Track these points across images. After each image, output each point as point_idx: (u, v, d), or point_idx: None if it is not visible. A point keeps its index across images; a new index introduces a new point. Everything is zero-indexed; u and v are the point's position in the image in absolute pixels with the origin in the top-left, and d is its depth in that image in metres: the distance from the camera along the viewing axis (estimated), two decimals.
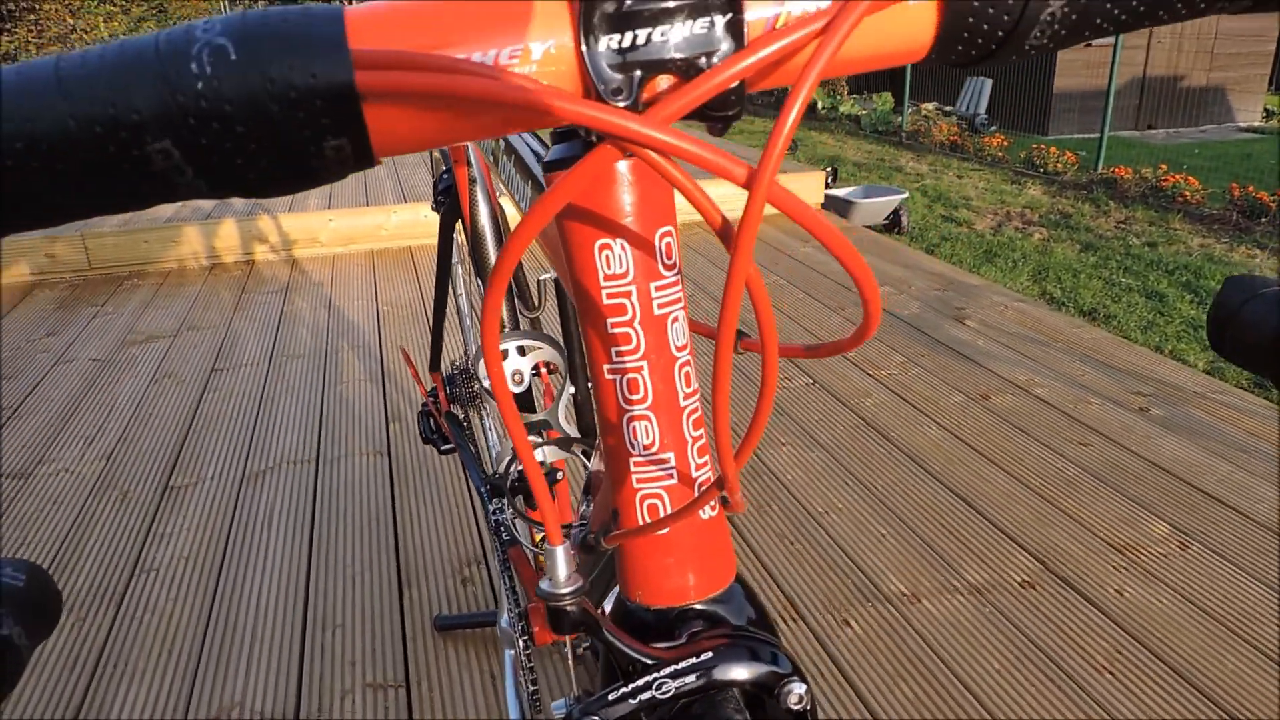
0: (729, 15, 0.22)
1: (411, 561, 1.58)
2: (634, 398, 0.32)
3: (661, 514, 0.33)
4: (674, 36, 0.22)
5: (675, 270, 0.31)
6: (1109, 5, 0.23)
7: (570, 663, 0.58)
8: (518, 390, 0.83)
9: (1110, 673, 1.28)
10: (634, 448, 0.32)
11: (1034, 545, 1.58)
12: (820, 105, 11.58)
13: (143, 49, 0.20)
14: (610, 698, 0.32)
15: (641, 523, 0.33)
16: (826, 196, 4.42)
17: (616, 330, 0.31)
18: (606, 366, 0.32)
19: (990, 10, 0.23)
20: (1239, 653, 1.31)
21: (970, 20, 0.23)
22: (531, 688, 0.86)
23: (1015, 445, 1.93)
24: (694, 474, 0.33)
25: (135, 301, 3.07)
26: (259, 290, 3.14)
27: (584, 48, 0.22)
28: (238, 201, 3.83)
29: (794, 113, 0.20)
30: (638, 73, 0.22)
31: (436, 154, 1.22)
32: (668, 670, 0.32)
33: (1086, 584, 1.47)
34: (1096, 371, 2.30)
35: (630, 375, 0.31)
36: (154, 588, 1.53)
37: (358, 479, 1.85)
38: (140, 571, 1.58)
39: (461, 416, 1.19)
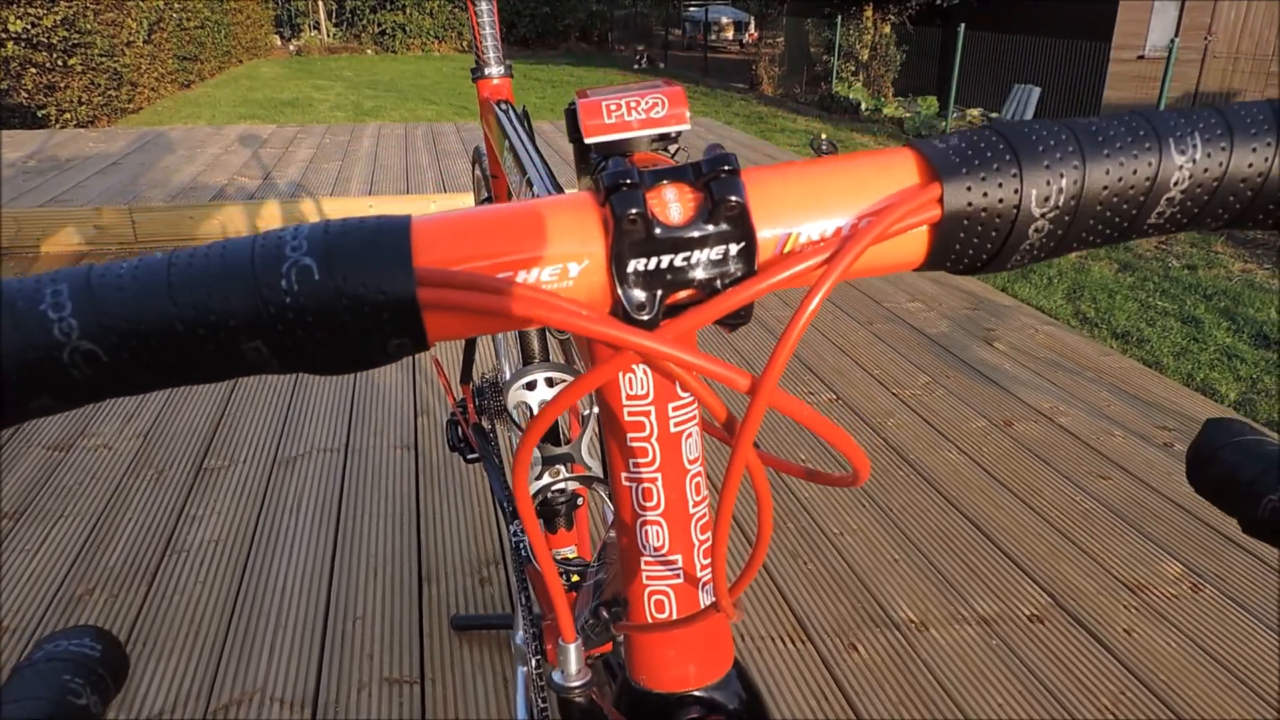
0: (742, 244, 0.25)
1: (432, 557, 1.62)
2: (647, 504, 0.34)
3: (668, 609, 0.36)
4: (693, 261, 0.25)
5: (690, 392, 0.34)
6: (1084, 233, 0.26)
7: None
8: None
9: (1112, 713, 1.29)
10: (645, 549, 0.35)
11: (1045, 579, 1.59)
12: (864, 106, 11.47)
13: (240, 262, 0.23)
14: None
15: (650, 618, 0.36)
16: None
17: (635, 444, 0.34)
18: (624, 475, 0.35)
19: (975, 240, 0.25)
20: (1245, 702, 1.32)
21: (957, 246, 0.26)
22: (542, 704, 0.90)
23: (1034, 475, 1.94)
24: (699, 574, 0.36)
25: None
26: None
27: (614, 269, 0.25)
28: (281, 182, 3.90)
29: (795, 333, 0.23)
30: (660, 291, 0.25)
31: (478, 171, 1.25)
32: None
33: (1095, 622, 1.49)
34: (1123, 403, 2.29)
35: (645, 485, 0.34)
36: (184, 569, 1.59)
37: (385, 471, 1.90)
38: (172, 552, 1.64)
39: (488, 428, 1.23)
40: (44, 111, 8.00)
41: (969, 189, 0.25)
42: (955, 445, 2.05)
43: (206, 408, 2.18)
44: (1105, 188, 0.25)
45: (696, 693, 0.37)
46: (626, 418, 0.33)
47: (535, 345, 0.95)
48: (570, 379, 0.85)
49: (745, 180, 0.25)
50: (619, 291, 0.25)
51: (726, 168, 0.25)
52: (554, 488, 0.78)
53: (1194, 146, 0.25)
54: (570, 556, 0.91)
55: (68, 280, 0.23)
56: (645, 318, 0.25)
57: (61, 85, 8.15)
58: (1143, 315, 4.52)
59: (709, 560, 0.36)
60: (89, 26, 8.31)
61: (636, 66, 17.32)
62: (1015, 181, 0.25)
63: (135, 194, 3.62)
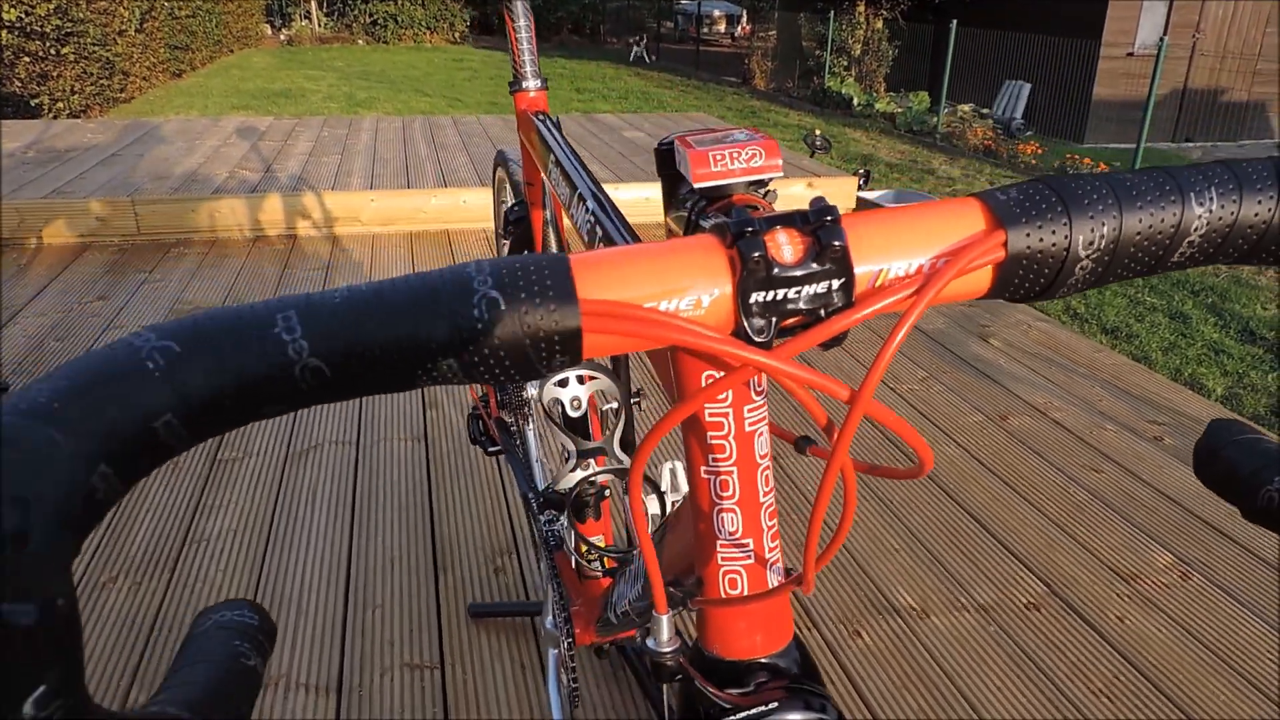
0: (843, 279, 0.30)
1: (446, 547, 1.67)
2: (724, 495, 0.39)
3: (740, 588, 0.40)
4: (803, 294, 0.30)
5: (763, 395, 0.39)
6: (1119, 269, 0.31)
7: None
8: (575, 415, 0.91)
9: (1107, 697, 1.35)
10: (720, 533, 0.40)
11: (1041, 568, 1.65)
12: (856, 102, 11.53)
13: (437, 293, 0.27)
14: None
15: (723, 594, 0.40)
16: (858, 199, 4.46)
17: (714, 441, 0.38)
18: (703, 468, 0.39)
19: (1030, 275, 0.30)
20: (1233, 685, 1.38)
21: (1015, 280, 0.31)
22: (572, 684, 0.94)
23: (1029, 468, 2.00)
24: (767, 555, 0.40)
25: (182, 270, 3.17)
26: (302, 266, 3.24)
27: (740, 301, 0.30)
28: (282, 176, 3.91)
29: (887, 357, 0.28)
30: (774, 318, 0.30)
31: (501, 174, 1.29)
32: (741, 715, 0.39)
33: (1089, 609, 1.54)
34: (1114, 398, 2.36)
35: (722, 477, 0.39)
36: (204, 559, 1.63)
37: (396, 464, 1.94)
38: (191, 542, 1.68)
39: (509, 422, 1.27)
40: (37, 101, 7.96)
41: (1028, 235, 0.30)
42: (953, 439, 2.11)
43: None
44: (1138, 233, 0.30)
45: (762, 660, 0.42)
46: (707, 418, 0.38)
47: None
48: (600, 376, 0.90)
49: (845, 226, 0.30)
50: (742, 318, 0.30)
51: (829, 217, 0.30)
52: (590, 480, 0.83)
53: (1210, 199, 0.31)
54: (600, 545, 0.95)
55: (294, 308, 0.27)
56: (762, 340, 0.30)
57: (54, 74, 8.12)
58: (1132, 311, 4.59)
59: (776, 543, 0.41)
60: (81, 15, 8.28)
61: (638, 49, 17.28)
62: (1065, 229, 0.30)
63: (136, 186, 3.64)
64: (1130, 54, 11.00)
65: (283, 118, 5.59)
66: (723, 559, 0.40)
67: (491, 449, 1.28)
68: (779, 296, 0.30)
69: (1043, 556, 1.68)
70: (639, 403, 1.01)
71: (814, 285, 0.30)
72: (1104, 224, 0.30)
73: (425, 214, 3.67)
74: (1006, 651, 1.44)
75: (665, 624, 0.40)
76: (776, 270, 0.30)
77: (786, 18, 15.25)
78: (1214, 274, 5.29)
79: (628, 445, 0.96)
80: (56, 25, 7.96)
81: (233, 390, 0.26)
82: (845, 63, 12.91)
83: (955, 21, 9.99)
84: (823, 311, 0.31)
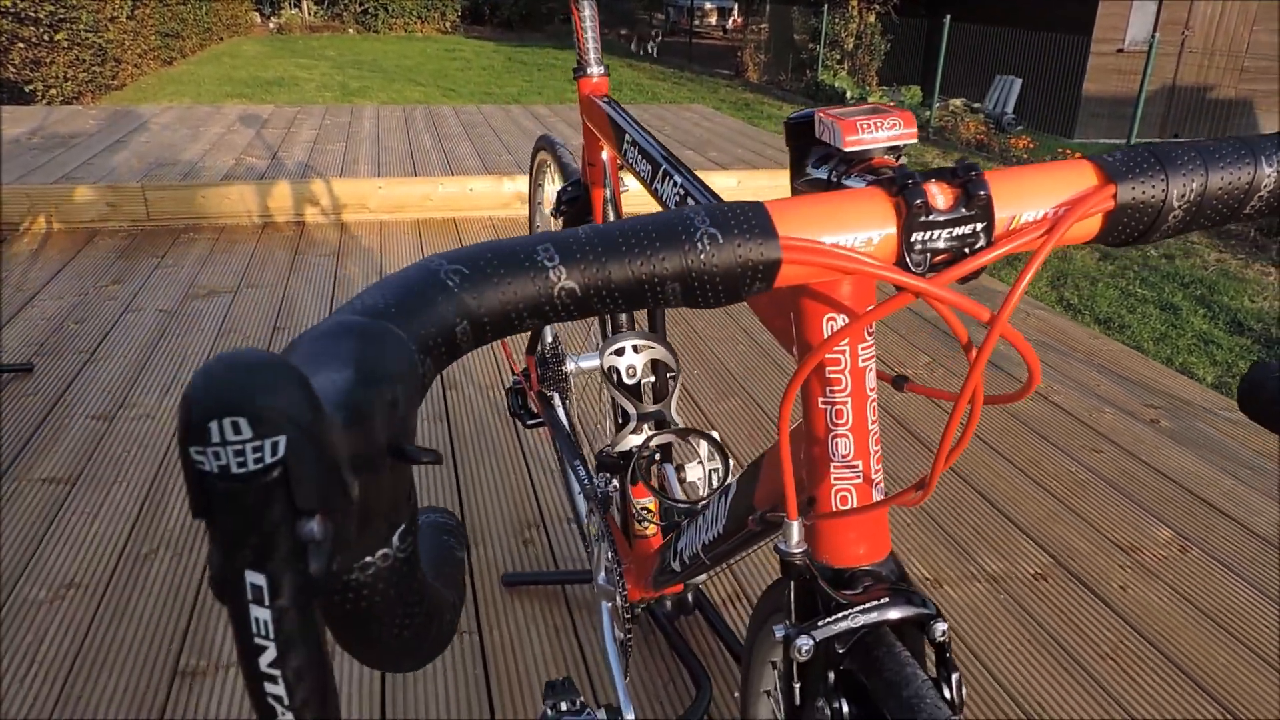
0: (984, 223, 0.36)
1: (474, 523, 1.72)
2: (839, 422, 0.45)
3: (850, 504, 0.47)
4: (953, 234, 0.36)
5: (872, 335, 0.45)
6: (1202, 219, 0.37)
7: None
8: (630, 382, 0.97)
9: (1113, 660, 1.43)
10: (834, 456, 0.46)
11: (1046, 541, 1.72)
12: (849, 95, 11.59)
13: (668, 229, 0.33)
14: (818, 624, 0.46)
15: (835, 509, 0.47)
16: None
17: (832, 376, 0.44)
18: (821, 399, 0.45)
19: (1133, 222, 0.37)
20: (1231, 649, 1.45)
21: (1119, 227, 0.37)
22: (626, 636, 1.01)
23: (1032, 448, 2.07)
24: (873, 475, 0.47)
25: (194, 255, 3.21)
26: (311, 252, 3.28)
27: (903, 239, 0.36)
28: (289, 163, 3.95)
29: (1022, 286, 0.34)
30: (929, 254, 0.36)
31: (544, 158, 1.35)
32: (858, 608, 0.46)
33: (1093, 579, 1.62)
34: (1112, 383, 2.43)
35: (838, 406, 0.45)
36: None
37: (420, 442, 2.00)
38: None
39: (550, 396, 1.33)
40: (31, 87, 7.93)
41: (1133, 188, 0.36)
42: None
43: None
44: (1219, 188, 0.37)
45: (865, 567, 0.48)
46: (828, 355, 0.44)
47: (623, 316, 1.05)
48: (655, 345, 0.96)
49: (987, 179, 0.36)
50: (905, 254, 0.36)
51: (975, 172, 0.36)
52: (651, 443, 0.89)
53: (1277, 161, 0.37)
54: (650, 507, 1.01)
55: (551, 241, 0.33)
56: (920, 271, 0.36)
57: (47, 60, 8.08)
58: (1123, 302, 4.69)
59: (879, 466, 0.47)
60: (74, 2, 8.24)
61: (652, 44, 17.24)
62: (1163, 184, 0.36)
63: (144, 172, 3.66)
64: (1120, 50, 11.12)
65: (284, 106, 5.61)
66: (836, 478, 0.46)
67: (531, 421, 1.34)
68: (934, 236, 0.36)
69: (1048, 530, 1.76)
70: (676, 376, 1.07)
71: (962, 227, 0.36)
72: (1193, 180, 0.37)
73: (433, 201, 3.71)
74: (1017, 618, 1.51)
75: (795, 528, 0.46)
76: (933, 215, 0.36)
77: (779, 10, 15.30)
78: (1202, 267, 5.39)
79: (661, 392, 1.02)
80: (50, 11, 7.93)
81: (506, 306, 0.32)
82: (838, 56, 12.98)
83: (948, 16, 10.07)
84: (967, 250, 0.37)
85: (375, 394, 0.26)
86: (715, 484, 0.85)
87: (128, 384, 2.23)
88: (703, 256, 0.32)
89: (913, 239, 0.36)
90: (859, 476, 0.46)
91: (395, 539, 0.28)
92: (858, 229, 0.36)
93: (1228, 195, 0.37)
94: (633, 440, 0.94)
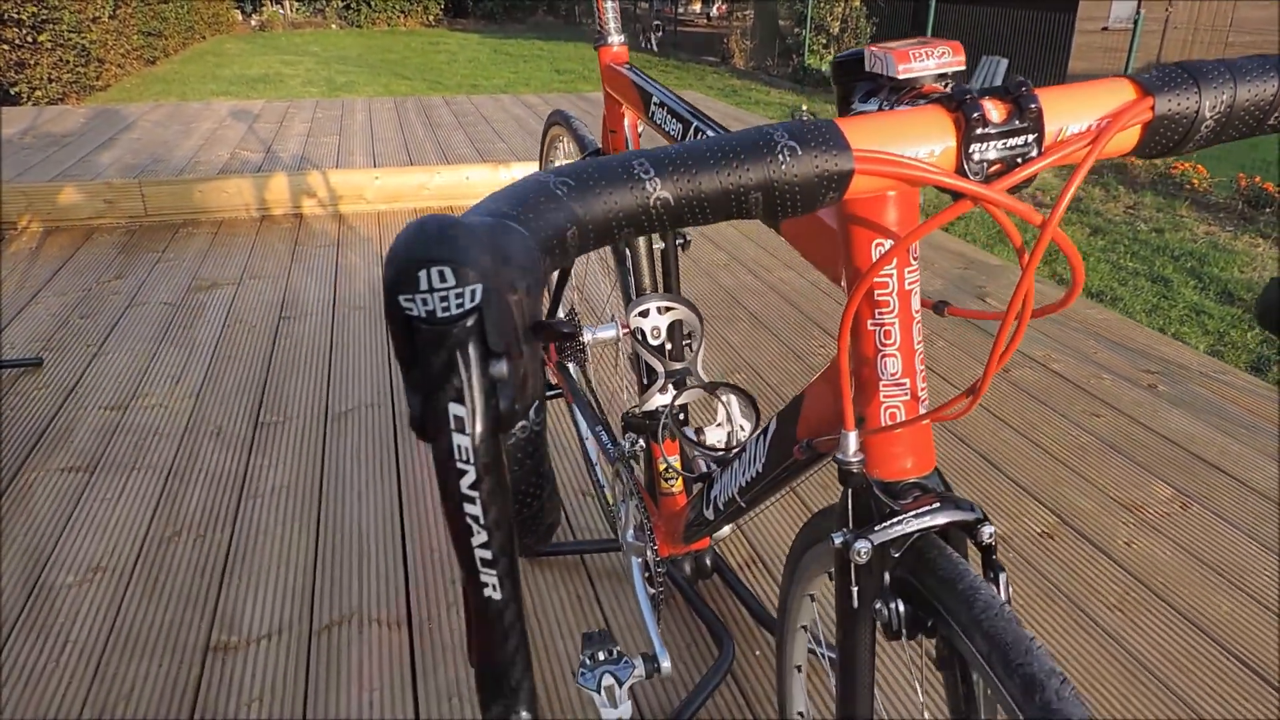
0: (1035, 134, 0.39)
1: None
2: (887, 343, 0.48)
3: (899, 420, 0.50)
4: (1007, 145, 0.39)
5: (917, 259, 0.48)
6: (1231, 130, 0.40)
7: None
8: (655, 343, 0.99)
9: (1120, 610, 1.47)
10: (883, 375, 0.49)
11: (1051, 502, 1.76)
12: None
13: (752, 143, 0.36)
14: (874, 529, 0.49)
15: (884, 423, 0.50)
16: None
17: (880, 298, 0.48)
18: (870, 321, 0.48)
19: (1168, 133, 0.40)
20: (1233, 597, 1.50)
21: (1156, 137, 0.40)
22: (659, 590, 1.04)
23: (1034, 414, 2.11)
24: (920, 393, 0.50)
25: (194, 249, 3.22)
26: (311, 243, 3.29)
27: (962, 150, 0.39)
28: (284, 156, 3.95)
29: (1070, 193, 0.37)
30: (985, 164, 0.39)
31: (558, 132, 1.37)
32: (910, 514, 0.49)
33: (1098, 536, 1.66)
34: (1109, 350, 2.48)
35: (886, 327, 0.48)
36: (262, 512, 1.71)
37: None
38: (247, 498, 1.75)
39: (568, 368, 1.36)
40: (16, 89, 7.89)
41: (1169, 101, 0.40)
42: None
43: (251, 367, 2.28)
44: (1247, 101, 0.40)
45: (913, 480, 0.51)
46: (876, 279, 0.47)
47: (647, 281, 1.08)
48: (678, 306, 0.99)
49: (1037, 94, 0.39)
50: (964, 163, 0.39)
51: (1025, 87, 0.39)
52: (680, 400, 0.92)
53: None
54: (675, 465, 1.05)
55: (646, 157, 0.36)
56: (978, 178, 0.39)
57: (31, 62, 8.04)
58: (1115, 276, 4.74)
59: (925, 384, 0.50)
60: (57, 2, 8.19)
61: (656, 35, 17.19)
62: (1196, 97, 0.40)
63: (140, 168, 3.67)
64: (1105, 28, 11.17)
65: (274, 100, 5.61)
66: (885, 396, 0.49)
67: (550, 393, 1.37)
68: (990, 147, 0.39)
69: (1052, 491, 1.80)
70: (690, 343, 1.10)
71: (1015, 139, 0.40)
72: (1223, 93, 0.40)
73: (429, 191, 3.72)
74: (1025, 574, 1.55)
75: (852, 439, 0.49)
76: (989, 128, 0.39)
77: None
78: (1192, 240, 5.44)
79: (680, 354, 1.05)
80: (33, 12, 7.88)
81: (608, 215, 0.35)
82: (824, 40, 12.99)
83: None
84: (1019, 159, 0.40)
85: (517, 273, 0.29)
86: (740, 438, 0.89)
87: (138, 375, 2.25)
88: (783, 168, 0.35)
89: (971, 150, 0.39)
90: (906, 394, 0.49)
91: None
92: (921, 143, 0.39)
93: (1254, 108, 0.40)
94: (659, 399, 0.97)
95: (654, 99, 0.85)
